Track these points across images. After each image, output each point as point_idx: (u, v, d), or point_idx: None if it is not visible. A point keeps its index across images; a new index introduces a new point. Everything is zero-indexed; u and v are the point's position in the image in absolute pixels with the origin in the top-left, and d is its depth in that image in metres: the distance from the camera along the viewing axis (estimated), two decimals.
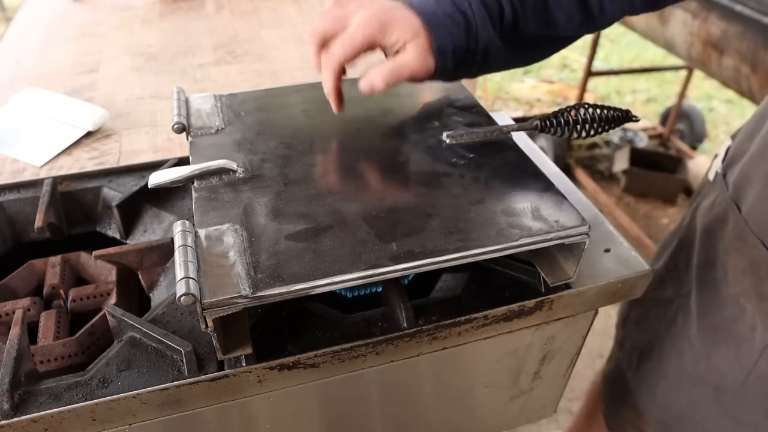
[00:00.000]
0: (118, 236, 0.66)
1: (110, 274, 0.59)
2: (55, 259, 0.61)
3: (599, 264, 0.57)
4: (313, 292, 0.43)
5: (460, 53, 0.54)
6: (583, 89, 2.25)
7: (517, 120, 0.65)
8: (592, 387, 0.98)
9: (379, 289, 0.54)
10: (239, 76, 1.00)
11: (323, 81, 0.56)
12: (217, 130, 0.60)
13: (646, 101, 3.09)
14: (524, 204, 0.50)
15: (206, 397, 0.47)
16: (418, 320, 0.50)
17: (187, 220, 0.46)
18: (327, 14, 0.54)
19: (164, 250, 0.58)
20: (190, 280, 0.40)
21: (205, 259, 0.43)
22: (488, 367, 0.60)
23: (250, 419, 0.52)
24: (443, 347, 0.53)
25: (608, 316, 0.92)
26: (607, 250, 0.59)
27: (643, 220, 2.17)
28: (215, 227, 0.47)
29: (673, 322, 0.70)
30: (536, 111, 2.89)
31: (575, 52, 3.31)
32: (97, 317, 0.54)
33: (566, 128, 0.58)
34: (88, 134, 0.82)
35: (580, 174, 2.27)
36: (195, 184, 0.52)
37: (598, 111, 0.58)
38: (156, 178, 0.54)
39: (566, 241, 0.48)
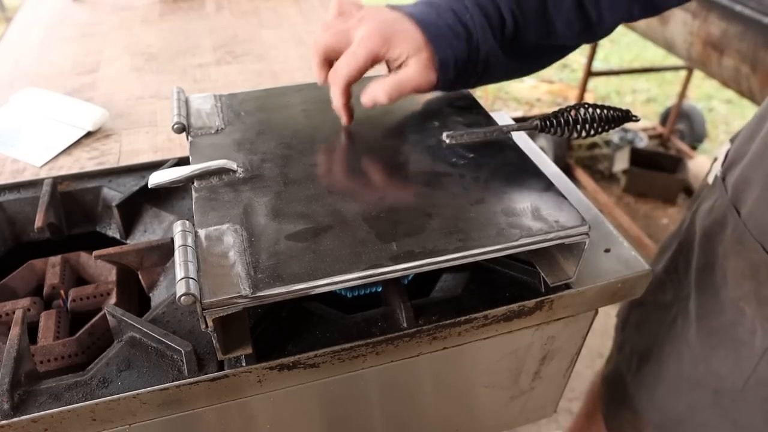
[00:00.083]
0: (118, 236, 0.66)
1: (110, 274, 0.59)
2: (55, 259, 0.61)
3: (599, 264, 0.57)
4: (313, 292, 0.43)
5: (461, 64, 0.54)
6: (583, 89, 2.25)
7: (517, 120, 0.65)
8: (591, 387, 0.98)
9: (379, 289, 0.54)
10: (239, 76, 1.00)
11: (332, 98, 0.57)
12: (217, 130, 0.60)
13: (646, 101, 3.09)
14: (524, 204, 0.50)
15: (206, 397, 0.47)
16: (418, 320, 0.50)
17: (187, 220, 0.46)
18: (330, 28, 0.55)
19: (164, 250, 0.58)
20: (190, 280, 0.40)
21: (205, 259, 0.43)
22: (488, 367, 0.60)
23: (250, 419, 0.52)
24: (443, 347, 0.53)
25: (608, 316, 0.91)
26: (607, 250, 0.59)
27: (643, 220, 2.17)
28: (215, 227, 0.47)
29: (672, 326, 0.70)
30: (536, 111, 2.89)
31: (575, 53, 3.30)
32: (97, 317, 0.54)
33: (566, 128, 0.58)
34: (88, 134, 0.82)
35: (580, 174, 2.27)
36: (195, 184, 0.52)
37: (598, 111, 0.58)
38: (156, 178, 0.54)
39: (566, 241, 0.48)
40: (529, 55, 0.59)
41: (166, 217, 0.64)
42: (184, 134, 0.60)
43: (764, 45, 1.34)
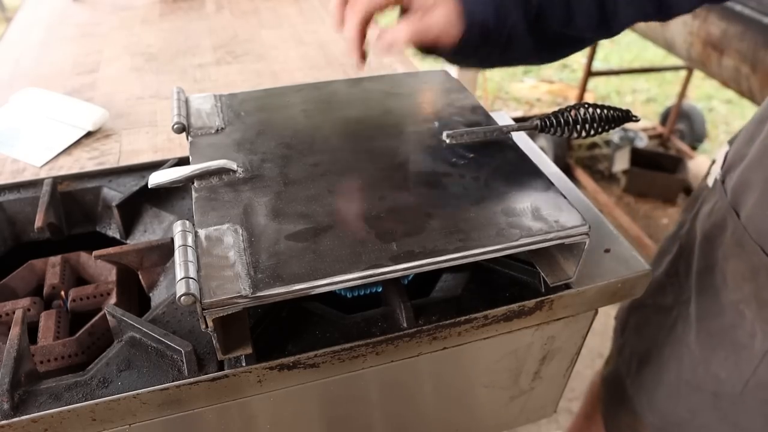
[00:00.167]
0: (118, 236, 0.66)
1: (110, 274, 0.59)
2: (55, 259, 0.61)
3: (599, 264, 0.57)
4: (313, 292, 0.43)
5: (487, 29, 0.52)
6: (583, 89, 2.24)
7: (517, 120, 0.65)
8: (590, 388, 0.98)
9: (379, 289, 0.54)
10: (239, 76, 1.00)
11: (346, 28, 0.51)
12: (217, 130, 0.60)
13: (646, 101, 3.09)
14: (524, 204, 0.50)
15: (206, 397, 0.47)
16: (418, 320, 0.50)
17: (187, 220, 0.46)
18: None
19: (164, 250, 0.58)
20: (190, 280, 0.40)
21: (205, 260, 0.43)
22: (488, 367, 0.60)
23: (250, 419, 0.52)
24: (443, 347, 0.53)
25: (608, 316, 0.91)
26: (607, 250, 0.59)
27: (643, 220, 2.17)
28: (215, 227, 0.47)
29: (672, 329, 0.70)
30: (536, 111, 2.89)
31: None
32: (97, 317, 0.54)
33: (566, 128, 0.58)
34: (88, 134, 0.82)
35: (580, 174, 2.27)
36: (195, 184, 0.52)
37: (598, 111, 0.58)
38: (156, 178, 0.54)
39: (566, 241, 0.48)
40: (548, 42, 0.57)
41: (166, 217, 0.64)
42: (184, 134, 0.60)
43: (764, 45, 1.34)
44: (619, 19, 0.55)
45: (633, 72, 2.94)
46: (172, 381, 0.45)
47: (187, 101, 0.64)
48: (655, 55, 3.39)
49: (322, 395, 0.54)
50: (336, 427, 0.59)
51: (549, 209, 0.50)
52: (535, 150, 0.72)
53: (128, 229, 0.65)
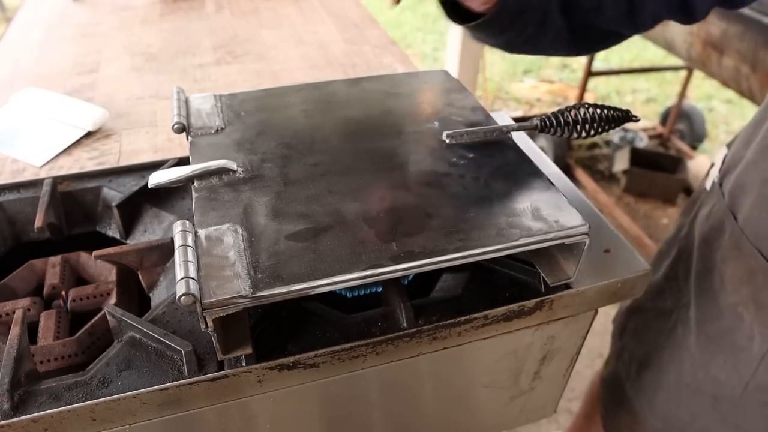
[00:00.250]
0: (118, 236, 0.66)
1: (110, 274, 0.59)
2: (55, 259, 0.61)
3: (599, 264, 0.57)
4: (313, 292, 0.43)
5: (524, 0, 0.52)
6: (583, 89, 2.24)
7: (517, 120, 0.65)
8: (590, 388, 0.98)
9: (379, 289, 0.54)
10: (239, 76, 1.00)
11: None
12: (217, 130, 0.60)
13: (646, 101, 3.09)
14: (524, 204, 0.50)
15: (206, 397, 0.47)
16: (418, 320, 0.50)
17: (187, 220, 0.46)
18: None
19: (164, 250, 0.58)
20: (190, 280, 0.40)
21: (205, 260, 0.43)
22: (488, 367, 0.60)
23: (250, 419, 0.52)
24: (443, 347, 0.53)
25: (608, 316, 0.91)
26: (607, 251, 0.59)
27: (643, 220, 2.17)
28: (215, 227, 0.47)
29: (672, 333, 0.70)
30: (536, 111, 2.89)
31: None
32: (97, 317, 0.54)
33: (566, 128, 0.58)
34: (88, 134, 0.82)
35: (580, 174, 2.27)
36: (195, 184, 0.52)
37: (598, 111, 0.58)
38: (156, 178, 0.54)
39: (566, 241, 0.48)
40: (577, 31, 0.57)
41: (166, 217, 0.64)
42: (184, 134, 0.60)
43: (764, 45, 1.34)
44: (646, 12, 0.55)
45: (633, 72, 2.94)
46: (172, 381, 0.45)
47: (187, 101, 0.64)
48: (655, 55, 3.39)
49: (322, 395, 0.54)
50: (336, 427, 0.59)
51: (549, 209, 0.50)
52: (535, 150, 0.72)
53: (128, 229, 0.65)
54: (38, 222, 0.60)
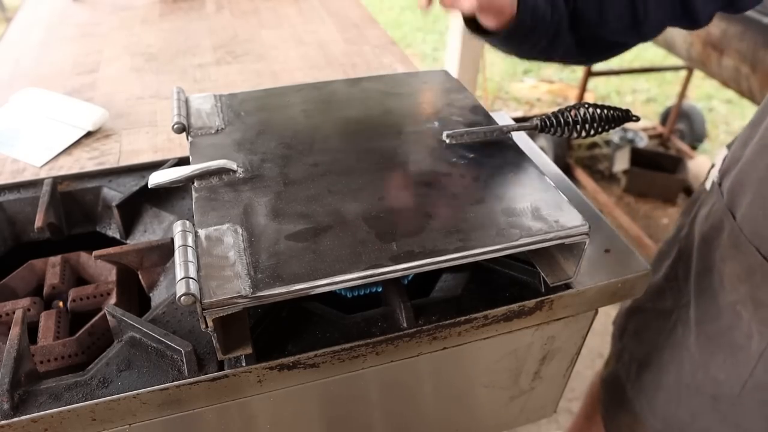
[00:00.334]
0: (118, 236, 0.66)
1: (110, 274, 0.59)
2: (55, 259, 0.61)
3: (599, 264, 0.57)
4: (313, 292, 0.43)
5: (539, 15, 0.56)
6: (583, 89, 2.24)
7: (517, 120, 0.65)
8: (590, 388, 0.98)
9: (379, 289, 0.54)
10: (239, 76, 1.00)
11: None
12: (217, 130, 0.60)
13: (646, 101, 3.09)
14: (524, 204, 0.50)
15: (206, 397, 0.47)
16: (418, 320, 0.50)
17: (187, 220, 0.46)
18: None
19: (164, 250, 0.58)
20: (190, 280, 0.40)
21: (205, 260, 0.43)
22: (488, 367, 0.60)
23: (250, 419, 0.52)
24: (443, 347, 0.53)
25: (608, 316, 0.91)
26: (607, 251, 0.59)
27: (643, 220, 2.17)
28: (215, 227, 0.47)
29: (672, 333, 0.70)
30: (536, 111, 2.89)
31: None
32: (97, 317, 0.54)
33: (566, 128, 0.58)
34: (88, 134, 0.82)
35: (580, 174, 2.27)
36: (195, 184, 0.52)
37: (598, 111, 0.58)
38: (156, 178, 0.54)
39: (566, 241, 0.48)
40: (585, 43, 0.60)
41: (166, 217, 0.64)
42: (184, 134, 0.60)
43: (764, 45, 1.34)
44: (650, 22, 0.56)
45: (633, 72, 2.94)
46: (172, 381, 0.45)
47: (187, 101, 0.64)
48: (655, 55, 3.39)
49: (322, 395, 0.54)
50: (336, 427, 0.59)
51: (549, 209, 0.50)
52: (535, 150, 0.72)
53: (128, 229, 0.65)
54: (38, 222, 0.60)
